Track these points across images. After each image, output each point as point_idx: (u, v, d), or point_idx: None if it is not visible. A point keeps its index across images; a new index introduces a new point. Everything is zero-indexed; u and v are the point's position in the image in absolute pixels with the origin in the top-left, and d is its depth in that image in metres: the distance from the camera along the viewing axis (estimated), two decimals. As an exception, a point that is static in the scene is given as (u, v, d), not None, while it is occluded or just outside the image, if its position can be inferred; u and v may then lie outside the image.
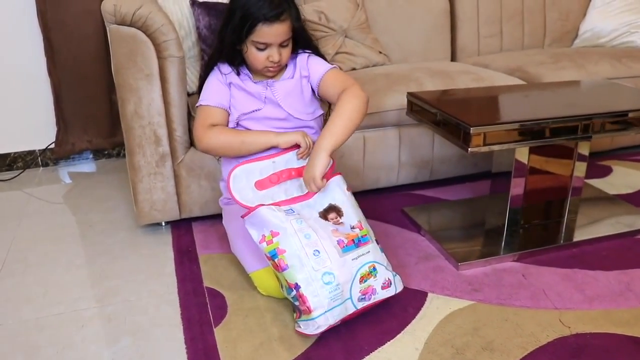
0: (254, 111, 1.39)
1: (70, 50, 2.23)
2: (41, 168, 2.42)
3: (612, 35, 2.59)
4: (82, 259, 1.63)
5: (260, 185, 1.30)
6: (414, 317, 1.31)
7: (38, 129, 2.35)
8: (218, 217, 1.62)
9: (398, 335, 1.25)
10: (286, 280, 1.22)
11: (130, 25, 1.51)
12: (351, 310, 1.24)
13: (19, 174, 2.33)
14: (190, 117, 1.69)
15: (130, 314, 1.36)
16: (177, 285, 1.48)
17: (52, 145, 2.37)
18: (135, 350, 1.23)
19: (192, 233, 1.75)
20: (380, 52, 2.27)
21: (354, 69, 2.17)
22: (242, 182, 1.30)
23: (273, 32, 1.28)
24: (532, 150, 1.61)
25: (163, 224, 1.80)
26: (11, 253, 1.67)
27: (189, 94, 1.81)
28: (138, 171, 1.65)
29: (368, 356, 1.19)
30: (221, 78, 1.40)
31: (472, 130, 1.38)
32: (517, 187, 1.64)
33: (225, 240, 1.55)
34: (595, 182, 2.10)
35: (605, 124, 1.55)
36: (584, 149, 1.68)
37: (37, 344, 1.26)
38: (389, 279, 1.29)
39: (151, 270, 1.56)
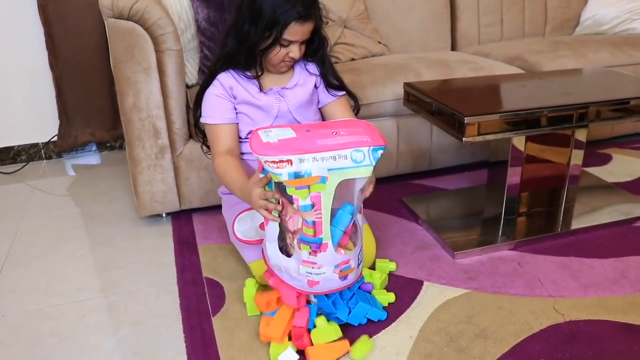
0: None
1: (71, 44, 2.25)
2: (45, 161, 2.44)
3: (613, 22, 2.58)
4: (84, 250, 1.66)
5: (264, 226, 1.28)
6: (409, 306, 1.33)
7: (41, 122, 2.38)
8: (218, 208, 1.64)
9: (393, 324, 1.27)
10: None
11: (128, 19, 1.52)
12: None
13: (22, 167, 2.36)
14: (189, 109, 1.70)
15: (130, 304, 1.39)
16: (177, 275, 1.50)
17: (55, 138, 2.40)
18: (135, 339, 1.26)
19: (192, 224, 1.77)
20: (380, 42, 2.27)
21: (353, 59, 2.17)
22: (247, 224, 1.35)
23: (303, 30, 1.29)
24: (529, 139, 1.61)
25: (164, 215, 1.82)
26: (15, 245, 1.70)
27: (188, 86, 1.82)
28: (138, 163, 1.67)
29: (363, 344, 1.21)
30: (223, 92, 1.36)
31: (467, 120, 1.38)
32: (513, 175, 1.64)
33: (225, 231, 1.57)
34: (595, 170, 2.10)
35: (601, 112, 1.55)
36: (581, 136, 1.68)
37: (39, 334, 1.29)
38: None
39: (151, 260, 1.58)
